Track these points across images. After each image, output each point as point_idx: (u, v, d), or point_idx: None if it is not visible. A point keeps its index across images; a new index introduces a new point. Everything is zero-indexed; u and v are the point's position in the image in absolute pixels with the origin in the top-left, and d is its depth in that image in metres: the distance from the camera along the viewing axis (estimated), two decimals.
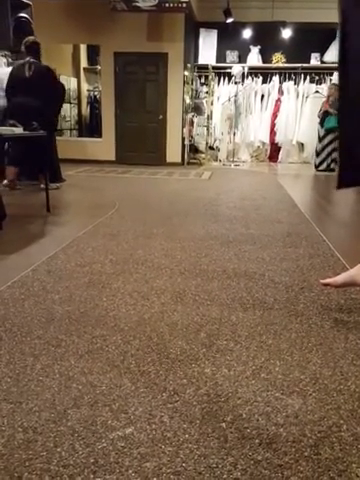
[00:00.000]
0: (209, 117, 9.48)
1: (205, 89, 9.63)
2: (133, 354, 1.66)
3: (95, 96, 10.88)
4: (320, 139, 8.20)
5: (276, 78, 9.40)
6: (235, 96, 9.10)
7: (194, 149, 9.43)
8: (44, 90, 5.17)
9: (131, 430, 1.26)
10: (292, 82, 9.36)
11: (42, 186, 5.02)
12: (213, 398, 1.41)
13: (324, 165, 8.17)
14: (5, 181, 5.28)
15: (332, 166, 8.12)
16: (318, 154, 8.25)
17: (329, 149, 8.13)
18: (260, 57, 9.46)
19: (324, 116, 8.08)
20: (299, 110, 9.32)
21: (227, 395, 1.42)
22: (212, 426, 1.28)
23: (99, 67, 9.45)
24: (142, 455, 1.16)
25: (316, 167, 8.29)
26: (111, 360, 1.62)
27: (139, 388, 1.45)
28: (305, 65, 9.24)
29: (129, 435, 1.24)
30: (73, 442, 1.21)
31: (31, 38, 5.39)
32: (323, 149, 8.17)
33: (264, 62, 9.44)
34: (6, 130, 3.68)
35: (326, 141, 8.12)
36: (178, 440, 1.22)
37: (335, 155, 8.15)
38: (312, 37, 9.01)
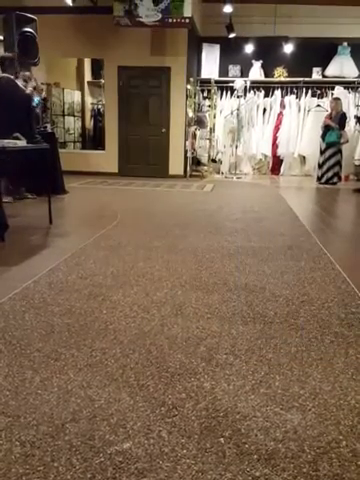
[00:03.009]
0: (211, 130, 9.54)
1: (207, 103, 9.69)
2: (132, 368, 1.66)
3: (98, 109, 10.98)
4: (321, 152, 8.25)
5: (278, 92, 9.46)
6: (237, 109, 9.16)
7: (196, 162, 9.47)
8: (6, 101, 5.11)
9: (129, 445, 1.25)
10: (294, 96, 9.42)
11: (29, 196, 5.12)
12: (212, 413, 1.40)
13: (324, 178, 8.19)
14: None
15: (335, 180, 8.14)
16: (320, 166, 8.29)
17: (330, 163, 8.15)
18: (262, 71, 9.54)
19: (325, 130, 8.12)
20: (301, 123, 9.37)
21: (226, 410, 1.41)
22: (210, 441, 1.27)
23: (103, 81, 9.55)
24: (140, 470, 1.16)
25: (318, 179, 8.31)
26: (110, 374, 1.61)
27: (138, 402, 1.45)
28: (307, 79, 9.30)
29: (127, 450, 1.23)
30: (70, 457, 1.20)
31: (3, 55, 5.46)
32: (324, 162, 8.20)
33: (266, 76, 9.51)
34: (8, 143, 3.71)
35: (327, 154, 8.15)
36: (176, 455, 1.21)
37: (337, 169, 8.18)
38: (314, 52, 9.09)
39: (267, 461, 1.19)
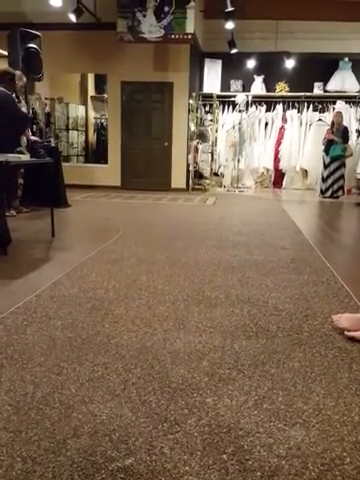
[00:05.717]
0: (213, 144, 9.61)
1: (210, 117, 9.78)
2: (134, 383, 1.65)
3: (102, 123, 11.08)
4: (325, 166, 8.28)
5: (280, 106, 9.55)
6: (239, 124, 9.23)
7: (199, 175, 9.52)
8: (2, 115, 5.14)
9: (131, 461, 1.24)
10: (295, 110, 9.50)
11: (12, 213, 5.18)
12: (214, 429, 1.39)
13: (329, 192, 8.22)
14: None
15: (340, 193, 8.17)
16: (324, 180, 8.32)
17: (335, 176, 8.19)
18: (264, 86, 9.64)
19: (329, 144, 8.16)
20: (302, 137, 9.43)
21: (229, 426, 1.40)
22: (213, 458, 1.26)
23: (106, 95, 9.65)
24: None
25: (322, 193, 8.34)
26: (112, 389, 1.60)
27: (140, 418, 1.43)
28: (308, 94, 9.39)
29: (129, 466, 1.22)
30: (72, 473, 1.19)
31: (1, 69, 5.47)
32: (329, 176, 8.24)
33: (268, 91, 9.61)
34: (13, 157, 3.74)
35: (332, 168, 8.19)
36: (178, 472, 1.20)
37: (342, 182, 8.21)
38: (315, 67, 9.19)
39: (270, 478, 1.18)
